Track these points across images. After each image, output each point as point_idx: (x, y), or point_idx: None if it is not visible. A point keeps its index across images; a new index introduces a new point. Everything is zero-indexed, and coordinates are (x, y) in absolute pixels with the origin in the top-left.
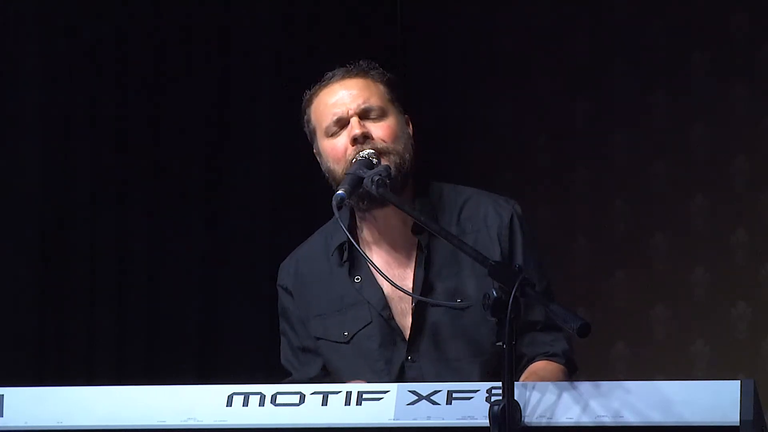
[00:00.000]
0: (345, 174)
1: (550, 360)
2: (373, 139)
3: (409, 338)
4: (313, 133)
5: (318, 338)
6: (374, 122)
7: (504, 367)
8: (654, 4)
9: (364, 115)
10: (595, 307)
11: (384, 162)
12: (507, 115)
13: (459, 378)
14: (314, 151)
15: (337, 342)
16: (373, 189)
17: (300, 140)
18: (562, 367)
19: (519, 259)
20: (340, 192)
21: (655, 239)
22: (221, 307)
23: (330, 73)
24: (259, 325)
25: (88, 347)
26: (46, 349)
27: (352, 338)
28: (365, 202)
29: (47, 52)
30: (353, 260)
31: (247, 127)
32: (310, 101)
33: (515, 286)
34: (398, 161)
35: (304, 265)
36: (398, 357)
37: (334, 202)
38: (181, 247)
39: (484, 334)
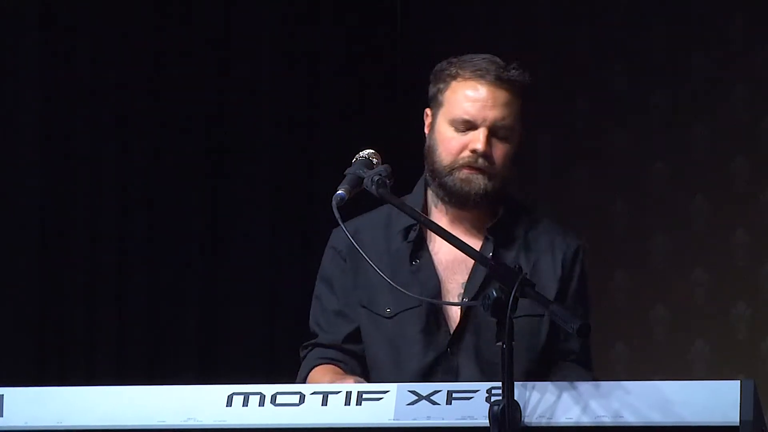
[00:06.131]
0: (345, 174)
1: None
2: (489, 160)
3: (454, 332)
4: (439, 105)
5: (362, 306)
6: (500, 142)
7: (503, 367)
8: (654, 5)
9: (494, 131)
10: (595, 307)
11: (486, 182)
12: None
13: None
14: (425, 115)
15: (379, 315)
16: (373, 189)
17: (300, 143)
18: None
19: (574, 286)
20: (340, 192)
21: (655, 239)
22: (221, 307)
23: (484, 61)
24: (259, 326)
25: (88, 347)
26: (46, 349)
27: (395, 315)
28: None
29: (47, 52)
30: (419, 242)
31: (248, 129)
32: (453, 76)
33: (515, 286)
34: (497, 185)
35: (364, 232)
36: (436, 346)
37: (334, 202)
38: (182, 247)
39: (525, 342)
